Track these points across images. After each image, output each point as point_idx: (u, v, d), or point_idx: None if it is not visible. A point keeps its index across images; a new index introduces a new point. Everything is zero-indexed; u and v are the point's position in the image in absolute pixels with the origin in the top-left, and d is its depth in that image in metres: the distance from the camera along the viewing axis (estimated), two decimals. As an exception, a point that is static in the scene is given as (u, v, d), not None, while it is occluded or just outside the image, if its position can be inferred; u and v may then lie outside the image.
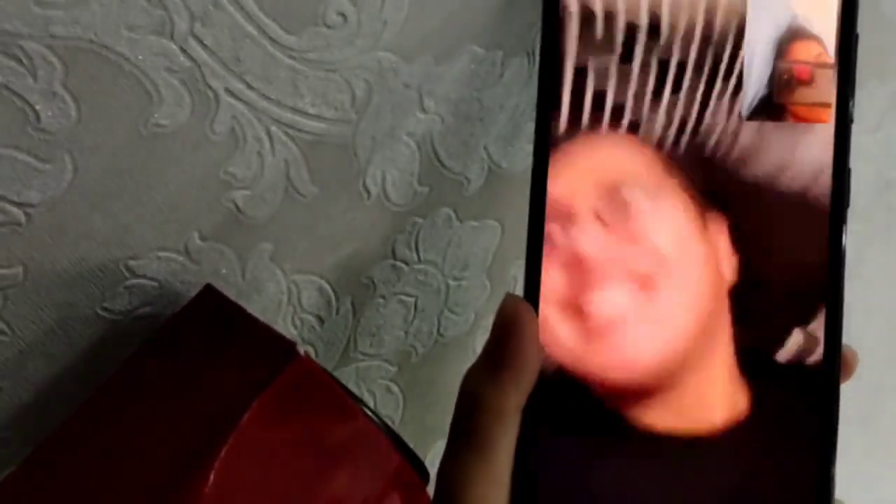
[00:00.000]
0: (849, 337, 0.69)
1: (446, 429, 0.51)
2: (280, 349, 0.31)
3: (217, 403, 0.31)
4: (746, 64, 0.39)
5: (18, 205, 0.32)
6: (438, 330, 0.48)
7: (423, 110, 0.41)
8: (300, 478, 0.31)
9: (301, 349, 0.30)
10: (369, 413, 0.33)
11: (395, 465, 0.33)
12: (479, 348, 0.50)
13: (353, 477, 0.32)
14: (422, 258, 0.45)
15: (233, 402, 0.31)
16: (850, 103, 0.38)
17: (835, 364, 0.36)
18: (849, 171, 0.38)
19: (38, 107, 0.31)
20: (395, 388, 0.48)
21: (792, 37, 0.39)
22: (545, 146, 0.39)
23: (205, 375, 0.32)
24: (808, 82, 0.39)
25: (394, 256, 0.44)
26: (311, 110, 0.38)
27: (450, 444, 0.36)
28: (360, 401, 0.33)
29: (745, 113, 0.39)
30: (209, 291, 0.35)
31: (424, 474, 0.35)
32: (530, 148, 0.44)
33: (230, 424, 0.29)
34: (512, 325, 0.35)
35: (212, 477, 0.29)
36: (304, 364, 0.31)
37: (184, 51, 0.34)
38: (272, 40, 0.36)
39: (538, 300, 0.38)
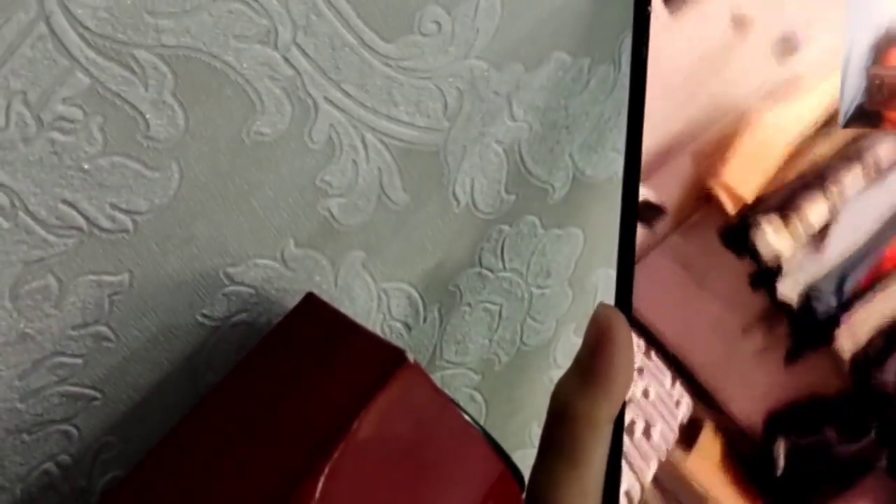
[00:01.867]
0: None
1: (526, 438, 0.51)
2: (388, 355, 0.31)
3: (326, 411, 0.31)
4: (843, 70, 0.39)
5: (127, 212, 0.33)
6: (521, 338, 0.48)
7: (513, 118, 0.41)
8: (407, 485, 0.31)
9: (410, 356, 0.30)
10: (471, 420, 0.33)
11: (496, 473, 0.33)
12: (559, 357, 0.50)
13: (457, 484, 0.32)
14: (507, 266, 0.45)
15: (342, 409, 0.31)
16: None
17: None
18: None
19: (148, 115, 0.32)
20: (478, 397, 0.48)
21: (889, 43, 0.39)
22: (637, 152, 0.38)
23: (313, 383, 0.32)
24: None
25: (480, 264, 0.44)
26: (405, 118, 0.38)
27: (540, 454, 0.35)
28: (461, 408, 0.33)
29: (842, 120, 0.38)
30: (312, 299, 0.35)
31: (522, 482, 0.35)
32: (614, 155, 0.44)
33: (340, 432, 0.29)
34: (604, 335, 0.35)
35: (320, 485, 0.29)
36: (413, 370, 0.31)
37: (286, 60, 0.34)
38: (370, 48, 0.36)
39: (631, 309, 0.38)
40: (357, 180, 0.38)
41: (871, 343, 0.37)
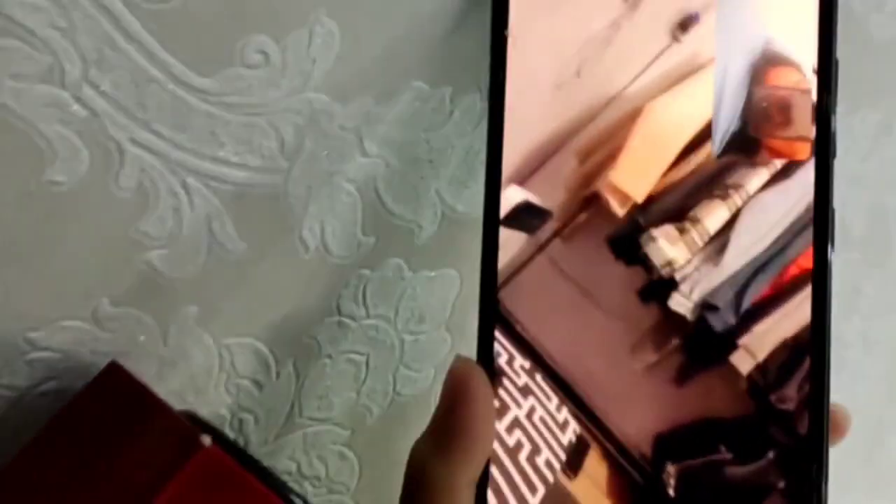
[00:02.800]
0: (849, 371, 0.65)
1: (408, 494, 0.48)
2: (183, 438, 0.27)
3: (122, 493, 0.28)
4: (716, 97, 0.36)
5: None
6: (394, 388, 0.45)
7: (365, 154, 0.38)
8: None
9: (206, 439, 0.27)
10: (294, 498, 0.30)
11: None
12: (441, 405, 0.47)
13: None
14: (371, 313, 0.42)
15: (138, 492, 0.27)
16: (832, 135, 0.35)
17: (822, 427, 0.33)
18: (832, 210, 0.34)
19: None
20: (349, 454, 0.45)
21: (767, 63, 0.36)
22: (496, 189, 0.35)
23: (110, 461, 0.29)
24: (786, 111, 0.36)
25: (339, 313, 0.41)
26: (234, 159, 0.34)
27: (400, 526, 0.32)
28: (286, 488, 0.30)
29: (716, 149, 0.35)
30: (114, 368, 0.32)
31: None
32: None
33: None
34: (461, 392, 0.31)
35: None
36: (208, 455, 0.27)
37: (78, 99, 0.30)
38: (182, 83, 0.32)
39: (493, 361, 0.34)
40: (181, 229, 0.34)
41: (771, 359, 0.34)
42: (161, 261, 0.34)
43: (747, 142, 0.36)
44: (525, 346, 0.34)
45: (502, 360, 0.34)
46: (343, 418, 0.43)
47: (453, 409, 0.31)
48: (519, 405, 0.34)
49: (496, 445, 0.33)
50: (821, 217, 0.34)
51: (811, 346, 0.33)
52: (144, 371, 0.35)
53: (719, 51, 0.35)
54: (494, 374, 0.34)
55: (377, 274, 0.41)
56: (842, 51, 0.34)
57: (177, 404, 0.36)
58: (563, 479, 0.33)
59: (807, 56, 0.35)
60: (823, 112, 0.34)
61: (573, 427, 0.34)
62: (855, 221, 0.59)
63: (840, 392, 0.33)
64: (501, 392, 0.33)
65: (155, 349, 0.36)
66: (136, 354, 0.35)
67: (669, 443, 0.33)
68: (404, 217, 0.41)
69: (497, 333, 0.34)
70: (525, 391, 0.34)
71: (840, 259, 0.32)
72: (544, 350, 0.34)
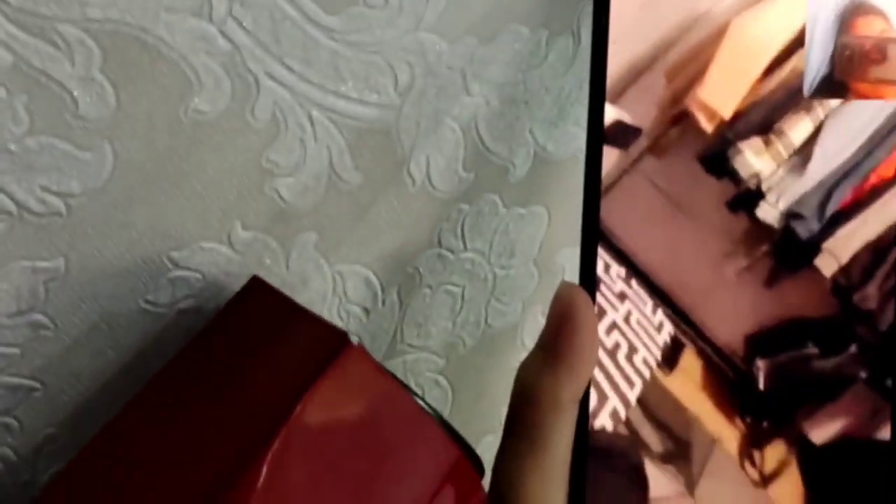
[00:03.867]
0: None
1: (495, 422, 0.50)
2: (331, 339, 0.30)
3: (269, 396, 0.30)
4: (807, 40, 0.37)
5: (59, 195, 0.31)
6: (486, 320, 0.47)
7: (468, 93, 0.40)
8: (356, 472, 0.30)
9: (353, 338, 0.29)
10: (424, 405, 0.32)
11: (451, 459, 0.32)
12: (527, 339, 0.49)
13: (408, 469, 0.31)
14: (468, 246, 0.44)
15: (284, 393, 0.30)
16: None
17: None
18: None
19: (76, 93, 0.31)
20: (443, 381, 0.47)
21: (854, 12, 0.38)
22: (599, 130, 0.37)
23: (256, 368, 0.31)
24: (872, 58, 0.38)
25: (439, 245, 0.43)
26: (354, 94, 0.37)
27: (505, 437, 0.35)
28: (413, 392, 0.32)
29: (807, 90, 0.37)
30: (256, 283, 0.34)
31: (480, 468, 0.33)
32: (576, 131, 0.43)
33: (282, 417, 0.28)
34: (568, 315, 0.34)
35: (264, 471, 0.28)
36: (356, 353, 0.29)
37: (223, 33, 0.33)
38: (312, 21, 0.35)
39: (595, 287, 0.37)
40: (305, 159, 0.37)
41: (853, 262, 0.36)
42: (287, 189, 0.37)
43: (836, 85, 0.38)
44: (621, 255, 0.36)
45: (599, 268, 0.36)
46: (439, 347, 0.46)
47: (560, 330, 0.34)
48: (616, 309, 0.36)
49: None
50: None
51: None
52: (268, 293, 0.38)
53: (810, 3, 0.37)
54: (595, 297, 0.36)
55: (474, 209, 0.43)
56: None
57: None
58: (659, 375, 0.36)
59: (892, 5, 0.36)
60: None
61: (668, 328, 0.36)
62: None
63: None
64: (599, 297, 0.35)
65: (279, 272, 0.38)
66: (262, 277, 0.37)
67: (759, 340, 0.35)
68: (500, 155, 0.43)
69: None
70: (621, 296, 0.36)
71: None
72: (638, 258, 0.37)
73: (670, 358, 0.36)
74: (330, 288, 0.40)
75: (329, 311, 0.41)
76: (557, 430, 0.33)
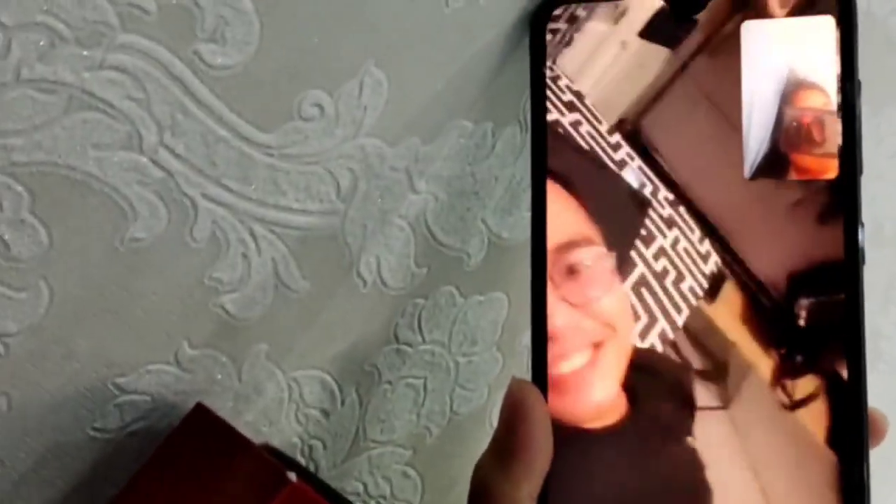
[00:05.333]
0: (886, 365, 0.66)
1: (469, 508, 0.50)
2: (269, 475, 0.30)
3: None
4: (745, 123, 0.37)
5: (-5, 336, 0.31)
6: (452, 408, 0.47)
7: (415, 191, 0.40)
8: None
9: (292, 475, 0.29)
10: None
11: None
12: (495, 423, 0.49)
13: None
14: (427, 339, 0.44)
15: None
16: (859, 153, 0.36)
17: (861, 429, 0.34)
18: (861, 224, 0.35)
19: (6, 237, 0.31)
20: (411, 472, 0.47)
21: (795, 87, 0.37)
22: (541, 220, 0.37)
23: (203, 500, 0.31)
24: (816, 131, 0.37)
25: (397, 340, 0.43)
26: (296, 205, 0.37)
27: (465, 539, 0.34)
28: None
29: (748, 172, 0.37)
30: (200, 410, 0.34)
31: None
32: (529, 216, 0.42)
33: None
34: (519, 412, 0.33)
35: None
36: (294, 490, 0.29)
37: (155, 162, 0.33)
38: (247, 140, 0.35)
39: (546, 381, 0.36)
40: (250, 274, 0.37)
41: None
42: (233, 304, 0.37)
43: (779, 161, 0.37)
44: (668, 179, 0.35)
45: (647, 191, 0.35)
46: (404, 439, 0.46)
47: (513, 427, 0.33)
48: (664, 235, 0.35)
49: (646, 270, 0.35)
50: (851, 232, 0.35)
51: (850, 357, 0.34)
52: (222, 406, 0.38)
53: (746, 77, 0.37)
54: (547, 391, 0.36)
55: (431, 301, 0.43)
56: (864, 51, 0.35)
57: (252, 436, 0.38)
58: (702, 303, 0.35)
59: (831, 79, 0.36)
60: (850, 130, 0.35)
61: (714, 259, 0.35)
62: (886, 220, 0.60)
63: (877, 388, 0.35)
64: (647, 221, 0.35)
65: (231, 385, 0.38)
66: (214, 392, 0.37)
67: (804, 279, 0.34)
68: (453, 247, 0.43)
69: (641, 164, 0.35)
70: (670, 222, 0.35)
71: (872, 256, 0.34)
72: (685, 183, 0.35)
73: (714, 286, 0.35)
74: (286, 395, 0.40)
75: (287, 418, 0.41)
76: None
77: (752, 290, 0.34)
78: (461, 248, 0.43)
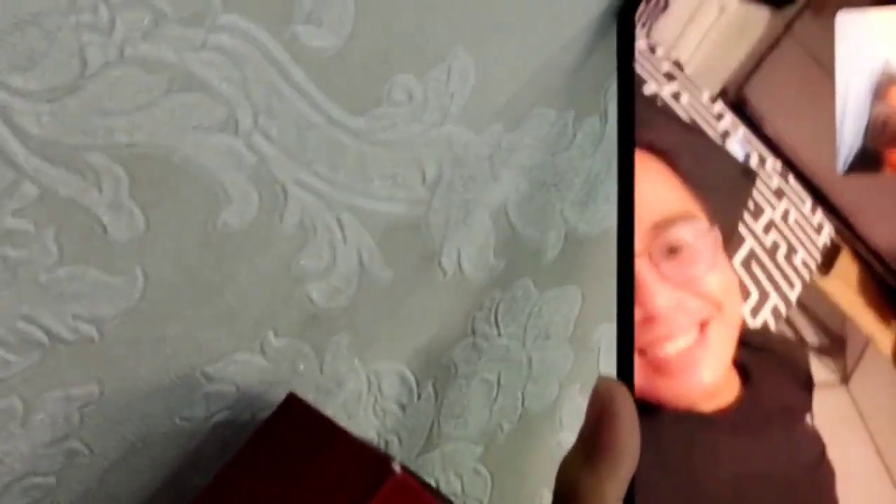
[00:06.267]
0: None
1: (537, 506, 0.49)
2: (374, 464, 0.29)
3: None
4: (839, 117, 0.36)
5: (90, 321, 0.31)
6: (523, 404, 0.46)
7: (497, 180, 0.40)
8: None
9: (396, 465, 0.28)
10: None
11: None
12: (565, 419, 0.48)
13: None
14: (502, 332, 0.43)
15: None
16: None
17: None
18: None
19: (105, 220, 0.30)
20: (482, 469, 0.46)
21: (890, 81, 0.36)
22: (629, 210, 0.36)
23: (298, 495, 0.30)
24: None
25: (473, 334, 0.42)
26: (382, 193, 0.36)
27: (549, 538, 0.34)
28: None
29: (841, 168, 0.36)
30: (292, 401, 0.33)
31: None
32: (607, 209, 0.42)
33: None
34: (608, 412, 0.33)
35: None
36: (400, 480, 0.28)
37: (249, 146, 0.32)
38: (338, 125, 0.34)
39: (633, 379, 0.36)
40: (335, 262, 0.36)
41: None
42: (318, 293, 0.36)
43: (870, 158, 0.37)
44: (775, 147, 0.34)
45: (753, 162, 0.34)
46: (477, 435, 0.45)
47: (600, 427, 0.33)
48: (773, 207, 0.34)
49: (756, 245, 0.33)
50: None
51: None
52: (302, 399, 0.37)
53: (839, 72, 0.36)
54: (633, 388, 0.35)
55: (508, 294, 0.43)
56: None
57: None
58: (817, 276, 0.34)
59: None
60: None
61: (828, 230, 0.34)
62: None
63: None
64: (756, 194, 0.33)
65: (313, 377, 0.37)
66: (297, 383, 0.37)
67: None
68: (532, 239, 0.42)
69: (747, 133, 0.34)
70: (778, 193, 0.34)
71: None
72: (794, 149, 0.34)
73: (828, 258, 0.34)
74: (365, 387, 0.40)
75: (365, 411, 0.40)
76: None
77: (869, 260, 0.33)
78: (539, 240, 0.42)
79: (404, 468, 0.29)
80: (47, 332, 0.30)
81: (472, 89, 0.37)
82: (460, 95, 0.37)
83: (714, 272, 0.34)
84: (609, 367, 0.48)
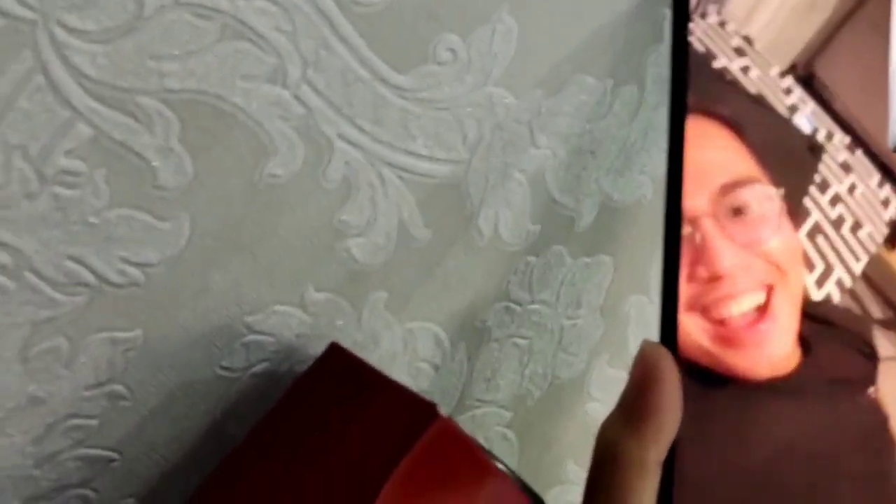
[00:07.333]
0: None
1: (562, 474, 0.49)
2: (419, 410, 0.29)
3: (358, 468, 0.29)
4: (891, 92, 0.36)
5: (137, 265, 0.31)
6: (553, 371, 0.46)
7: (536, 146, 0.40)
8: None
9: (441, 410, 0.29)
10: (508, 472, 0.31)
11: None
12: (593, 389, 0.48)
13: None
14: (535, 298, 0.44)
15: (374, 466, 0.29)
16: None
17: None
18: None
19: (154, 164, 0.30)
20: (510, 434, 0.46)
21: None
22: (678, 166, 0.36)
23: (345, 438, 0.30)
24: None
25: (508, 298, 0.43)
26: (424, 151, 0.36)
27: (587, 497, 0.34)
28: (497, 459, 0.31)
29: (892, 142, 0.36)
30: (335, 350, 0.34)
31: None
32: (641, 179, 0.42)
33: (373, 490, 0.28)
34: (651, 375, 0.33)
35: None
36: (445, 425, 0.29)
37: (297, 98, 0.33)
38: (383, 81, 0.34)
39: (677, 345, 0.36)
40: (376, 218, 0.36)
41: None
42: (358, 248, 0.36)
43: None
44: (843, 122, 0.34)
45: (821, 136, 0.34)
46: (507, 400, 0.45)
47: (644, 390, 0.33)
48: (839, 181, 0.34)
49: (821, 217, 0.33)
50: None
51: None
52: (340, 354, 0.38)
53: (893, 50, 0.36)
54: (677, 353, 0.35)
55: (542, 260, 0.43)
56: None
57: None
58: (884, 251, 0.34)
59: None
60: None
61: (895, 204, 0.34)
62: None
63: None
64: (822, 168, 0.33)
65: (350, 333, 0.38)
66: (334, 337, 0.37)
67: None
68: (567, 206, 0.42)
69: (815, 107, 0.34)
70: (845, 167, 0.34)
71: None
72: (862, 124, 0.34)
73: (894, 234, 0.34)
74: (400, 346, 0.40)
75: (399, 369, 0.40)
76: (643, 493, 0.32)
77: None
78: (574, 207, 0.43)
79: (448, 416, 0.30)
80: (95, 273, 0.30)
81: (515, 53, 0.37)
82: (503, 58, 0.37)
83: (778, 237, 0.34)
84: (638, 338, 0.48)
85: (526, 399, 0.46)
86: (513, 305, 0.43)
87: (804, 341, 0.33)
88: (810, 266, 0.33)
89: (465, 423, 0.44)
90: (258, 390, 0.36)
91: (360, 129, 0.35)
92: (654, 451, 0.32)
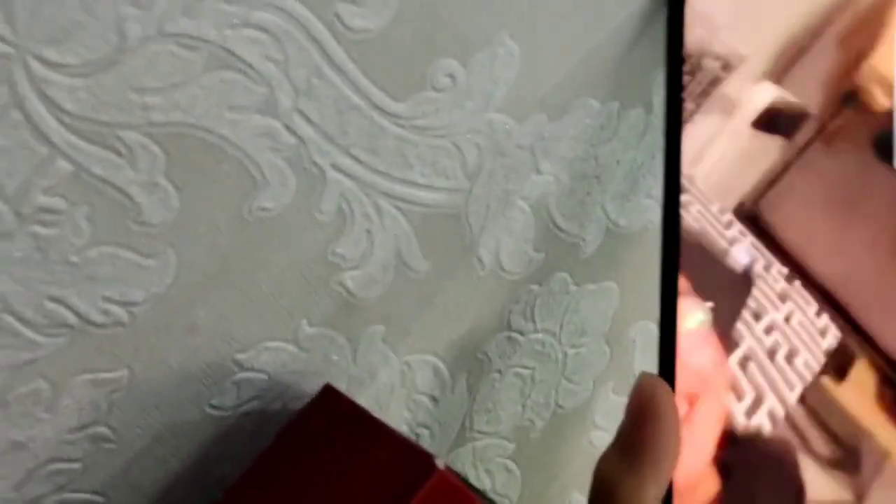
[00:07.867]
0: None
1: (567, 505, 0.48)
2: (417, 460, 0.28)
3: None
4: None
5: (121, 304, 0.30)
6: (556, 401, 0.45)
7: (538, 171, 0.38)
8: None
9: (440, 462, 0.27)
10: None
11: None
12: (598, 418, 0.47)
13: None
14: (538, 327, 0.42)
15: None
16: None
17: None
18: None
19: (138, 200, 0.29)
20: (512, 466, 0.45)
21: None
22: (675, 201, 0.35)
23: (338, 489, 0.29)
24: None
25: (509, 328, 0.41)
26: (422, 180, 0.35)
27: (588, 534, 0.32)
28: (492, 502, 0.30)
29: None
30: (329, 392, 0.32)
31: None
32: (648, 203, 0.41)
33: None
34: (649, 409, 0.31)
35: None
36: (443, 478, 0.27)
37: (288, 128, 0.31)
38: (378, 109, 0.33)
39: (674, 377, 0.34)
40: (372, 251, 0.35)
41: None
42: (353, 281, 0.35)
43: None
44: (783, 253, 0.33)
45: (759, 266, 0.33)
46: (509, 431, 0.44)
47: (641, 424, 0.31)
48: (777, 309, 0.33)
49: (755, 344, 0.32)
50: None
51: None
52: (335, 389, 0.36)
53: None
54: (675, 387, 0.34)
55: (545, 289, 0.41)
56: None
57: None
58: (828, 384, 0.33)
59: None
60: None
61: (834, 333, 0.33)
62: None
63: None
64: (758, 295, 0.33)
65: (346, 368, 0.36)
66: (329, 373, 0.36)
67: None
68: (571, 232, 0.41)
69: (755, 241, 0.33)
70: (783, 297, 0.33)
71: None
72: (804, 259, 0.33)
73: (840, 365, 0.33)
74: (398, 379, 0.38)
75: (397, 403, 0.39)
76: None
77: (885, 369, 0.32)
78: (578, 234, 0.41)
79: (446, 466, 0.28)
80: (77, 313, 0.29)
81: (516, 77, 0.36)
82: (504, 83, 0.36)
83: (704, 353, 0.33)
84: (645, 366, 0.46)
85: (529, 430, 0.45)
86: (515, 335, 0.42)
87: (724, 467, 0.32)
88: (739, 395, 0.32)
89: (466, 454, 0.43)
90: (250, 429, 0.35)
91: (355, 159, 0.33)
92: (654, 488, 0.31)
